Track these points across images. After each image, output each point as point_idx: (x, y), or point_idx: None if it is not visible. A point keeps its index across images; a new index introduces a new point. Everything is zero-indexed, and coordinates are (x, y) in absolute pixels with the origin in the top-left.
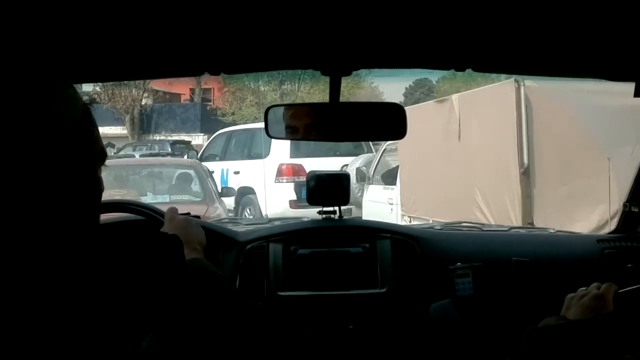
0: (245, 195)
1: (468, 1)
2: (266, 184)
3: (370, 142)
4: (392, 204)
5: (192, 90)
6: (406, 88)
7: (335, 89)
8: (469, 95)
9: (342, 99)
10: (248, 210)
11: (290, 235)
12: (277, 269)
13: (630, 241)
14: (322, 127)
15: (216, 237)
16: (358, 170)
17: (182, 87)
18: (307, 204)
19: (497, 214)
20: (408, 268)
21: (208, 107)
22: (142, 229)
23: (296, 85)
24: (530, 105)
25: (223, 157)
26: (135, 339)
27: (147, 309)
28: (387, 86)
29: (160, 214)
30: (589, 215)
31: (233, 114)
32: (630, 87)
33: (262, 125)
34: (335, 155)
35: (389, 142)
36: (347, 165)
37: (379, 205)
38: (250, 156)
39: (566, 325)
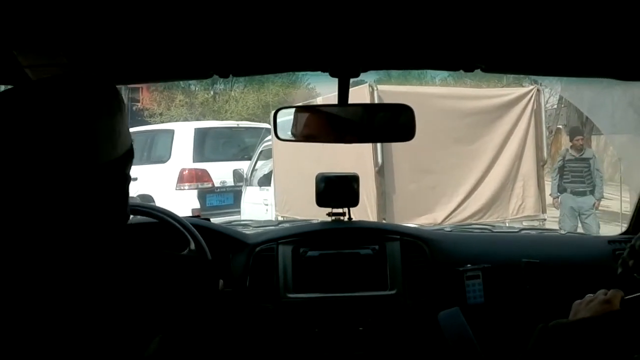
0: None
1: (475, 2)
2: (166, 191)
3: None
4: (267, 204)
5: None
6: None
7: (343, 91)
8: (332, 98)
9: (277, 98)
10: None
11: (299, 237)
12: (286, 271)
13: None
14: (332, 129)
15: (226, 240)
16: (235, 172)
17: None
18: (211, 212)
19: (357, 210)
20: (418, 270)
21: (134, 108)
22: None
23: (229, 84)
24: None
25: None
26: (143, 340)
27: (156, 312)
28: (323, 87)
29: (174, 217)
30: (433, 208)
31: (161, 114)
32: (477, 91)
33: (165, 126)
34: (242, 159)
35: (265, 145)
36: (240, 169)
37: (255, 206)
38: (149, 161)
39: (576, 323)
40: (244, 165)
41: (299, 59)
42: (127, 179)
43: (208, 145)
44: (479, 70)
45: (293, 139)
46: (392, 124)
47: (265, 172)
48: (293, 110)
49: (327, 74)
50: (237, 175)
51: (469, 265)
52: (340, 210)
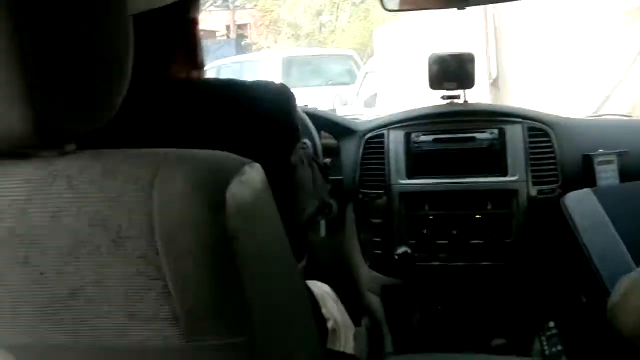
0: None
1: None
2: None
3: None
4: None
5: (228, 27)
6: None
7: None
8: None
9: (384, 26)
10: None
11: (411, 122)
12: (398, 157)
13: None
14: None
15: (335, 128)
16: (338, 95)
17: (217, 24)
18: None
19: None
20: (542, 155)
21: (243, 43)
22: None
23: (335, 15)
24: (500, 16)
25: None
26: None
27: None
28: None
29: None
30: None
31: (269, 48)
32: None
33: (252, 56)
34: (327, 84)
35: (369, 66)
36: (343, 92)
37: None
38: None
39: None
40: (330, 92)
41: None
42: (192, 22)
43: (294, 73)
44: None
45: (400, 8)
46: None
47: (371, 94)
48: None
49: None
50: (340, 98)
51: (601, 150)
52: (455, 93)
